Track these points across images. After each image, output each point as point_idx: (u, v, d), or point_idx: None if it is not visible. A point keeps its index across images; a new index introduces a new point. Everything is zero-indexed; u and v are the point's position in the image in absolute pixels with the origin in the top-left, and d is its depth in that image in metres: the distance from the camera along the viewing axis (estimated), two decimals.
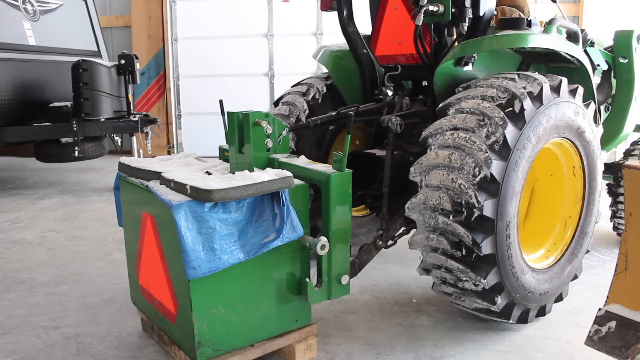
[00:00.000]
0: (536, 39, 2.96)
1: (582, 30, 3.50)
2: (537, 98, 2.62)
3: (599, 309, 2.20)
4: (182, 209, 2.13)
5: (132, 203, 2.70)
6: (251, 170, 2.42)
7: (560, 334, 2.84)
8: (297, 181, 2.44)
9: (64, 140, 6.30)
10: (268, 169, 2.43)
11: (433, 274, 2.71)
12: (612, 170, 4.10)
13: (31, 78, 6.48)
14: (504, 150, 2.49)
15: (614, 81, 3.92)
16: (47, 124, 6.29)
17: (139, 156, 6.71)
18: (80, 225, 5.03)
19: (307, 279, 2.43)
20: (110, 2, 9.52)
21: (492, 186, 2.46)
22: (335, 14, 3.57)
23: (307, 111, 3.56)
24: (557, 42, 3.08)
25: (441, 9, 2.83)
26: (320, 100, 3.64)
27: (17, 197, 6.32)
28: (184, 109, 9.46)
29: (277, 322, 2.47)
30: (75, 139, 6.15)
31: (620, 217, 4.12)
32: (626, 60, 3.85)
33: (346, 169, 2.39)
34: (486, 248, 2.49)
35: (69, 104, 6.30)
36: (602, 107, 3.87)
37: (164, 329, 2.58)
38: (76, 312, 3.15)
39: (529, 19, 3.02)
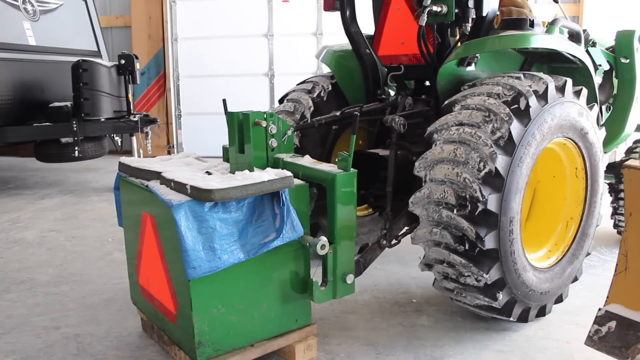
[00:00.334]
0: (539, 40, 2.98)
1: (584, 31, 3.52)
2: (543, 97, 2.65)
3: (599, 309, 2.20)
4: (182, 209, 2.13)
5: (132, 203, 2.70)
6: (251, 170, 2.42)
7: (560, 334, 2.84)
8: (297, 181, 2.44)
9: (64, 140, 6.30)
10: (268, 169, 2.43)
11: (435, 269, 2.71)
12: (614, 169, 4.12)
13: (31, 78, 6.48)
14: (509, 146, 2.51)
15: (615, 81, 3.94)
16: (47, 124, 6.29)
17: (139, 156, 6.71)
18: (80, 225, 5.03)
19: (313, 278, 2.43)
20: (110, 2, 9.52)
21: (496, 181, 2.48)
22: (336, 14, 3.58)
23: (312, 108, 3.57)
24: (559, 43, 3.10)
25: (444, 9, 2.85)
26: (325, 98, 3.65)
27: (17, 197, 6.32)
28: (184, 109, 9.46)
29: (277, 322, 2.47)
30: (75, 139, 6.15)
31: (621, 214, 4.12)
32: (628, 60, 3.88)
33: (351, 169, 2.40)
34: (489, 242, 2.50)
35: (69, 104, 6.30)
36: (603, 107, 3.88)
37: (164, 329, 2.58)
38: (76, 312, 3.15)
39: (531, 20, 3.04)
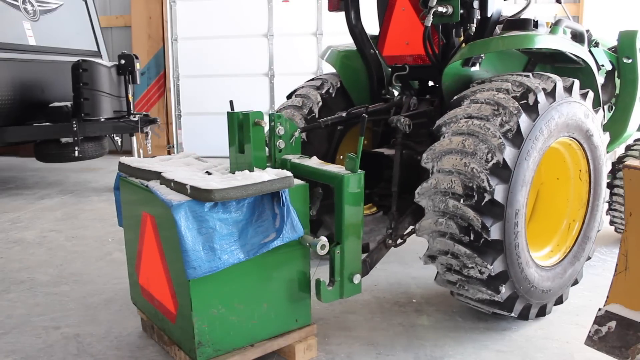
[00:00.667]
0: (542, 40, 3.01)
1: (587, 31, 3.55)
2: (551, 94, 2.70)
3: (599, 309, 2.21)
4: (182, 209, 2.13)
5: (132, 203, 2.70)
6: (251, 170, 2.42)
7: (560, 334, 2.84)
8: (297, 181, 2.44)
9: (64, 140, 6.30)
10: (268, 169, 2.43)
11: (439, 260, 2.72)
12: (612, 165, 4.13)
13: (31, 78, 6.48)
14: (517, 139, 2.54)
15: (617, 81, 3.98)
16: (47, 124, 6.29)
17: (139, 156, 6.71)
18: (80, 225, 5.03)
19: (320, 278, 2.43)
20: (110, 2, 9.52)
21: (504, 172, 2.51)
22: (336, 14, 3.59)
23: (320, 104, 3.60)
24: (562, 43, 3.13)
25: (450, 10, 2.87)
26: (334, 95, 3.68)
27: (17, 197, 6.32)
28: (184, 109, 9.46)
29: (277, 322, 2.47)
30: (75, 139, 6.15)
31: (615, 210, 4.12)
32: (630, 61, 3.91)
33: (359, 170, 2.42)
34: (494, 233, 2.51)
35: (69, 104, 6.30)
36: (605, 107, 3.91)
37: (164, 329, 2.58)
38: (76, 312, 3.15)
39: (535, 20, 3.07)
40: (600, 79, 3.55)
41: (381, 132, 3.62)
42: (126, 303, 3.16)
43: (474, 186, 2.51)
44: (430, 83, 3.53)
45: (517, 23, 3.09)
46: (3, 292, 3.45)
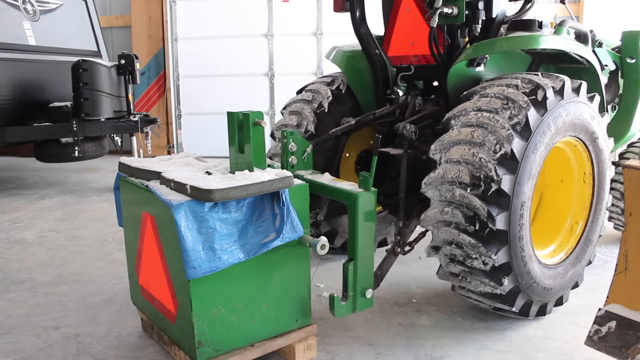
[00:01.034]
0: (547, 41, 3.04)
1: (591, 31, 3.59)
2: (559, 92, 2.75)
3: (599, 309, 2.21)
4: (182, 209, 2.13)
5: (132, 203, 2.70)
6: (251, 170, 2.42)
7: (560, 334, 2.84)
8: (297, 181, 2.44)
9: (64, 140, 6.30)
10: (268, 169, 2.43)
11: (442, 251, 2.73)
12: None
13: (31, 78, 6.48)
14: (525, 132, 2.58)
15: (621, 81, 4.01)
16: (47, 124, 6.29)
17: (139, 156, 6.71)
18: (80, 225, 5.03)
19: (334, 294, 2.47)
20: (110, 2, 9.52)
21: (511, 163, 2.54)
22: (338, 14, 3.60)
23: (330, 98, 3.63)
24: (566, 43, 3.17)
25: (455, 11, 2.90)
26: (344, 91, 3.71)
27: (17, 197, 6.32)
28: (184, 109, 9.46)
29: (277, 322, 2.47)
30: (75, 139, 6.15)
31: (613, 205, 4.12)
32: (633, 61, 3.94)
33: (372, 188, 2.47)
34: (500, 223, 2.53)
35: (69, 104, 6.30)
36: (609, 107, 3.94)
37: (164, 329, 2.58)
38: (76, 312, 3.15)
39: (539, 21, 3.10)
40: (604, 79, 3.59)
41: (386, 131, 3.64)
42: (126, 303, 3.16)
43: (481, 176, 2.54)
44: (435, 83, 3.57)
45: (522, 24, 3.13)
46: (3, 292, 3.45)
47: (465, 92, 2.91)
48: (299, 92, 3.86)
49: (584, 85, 2.93)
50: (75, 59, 6.37)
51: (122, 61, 6.58)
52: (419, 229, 3.07)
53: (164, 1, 9.08)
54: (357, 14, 3.53)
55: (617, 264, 2.20)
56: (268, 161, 3.38)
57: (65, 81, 6.35)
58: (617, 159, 4.30)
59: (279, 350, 2.55)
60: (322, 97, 3.64)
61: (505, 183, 2.52)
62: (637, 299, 2.13)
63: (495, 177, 2.50)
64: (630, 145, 4.35)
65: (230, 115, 2.54)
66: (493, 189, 2.51)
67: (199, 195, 2.14)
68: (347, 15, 3.65)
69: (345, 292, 2.50)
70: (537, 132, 2.62)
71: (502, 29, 3.23)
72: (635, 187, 2.11)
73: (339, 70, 3.82)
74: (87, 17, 7.76)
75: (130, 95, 6.70)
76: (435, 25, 2.92)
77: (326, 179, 2.70)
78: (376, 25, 3.63)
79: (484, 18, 3.01)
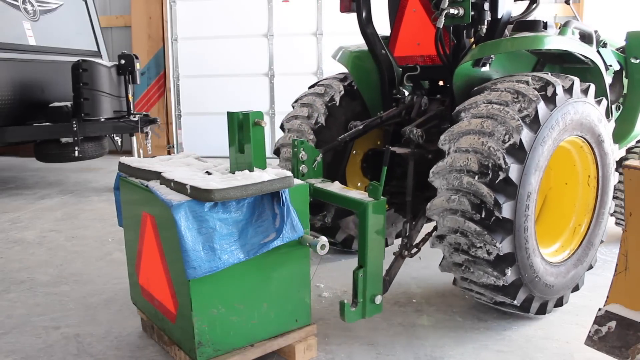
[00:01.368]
0: (552, 41, 3.08)
1: (595, 32, 3.61)
2: (568, 91, 2.81)
3: (599, 309, 2.20)
4: (182, 209, 2.13)
5: (132, 203, 2.70)
6: (251, 170, 2.42)
7: (560, 334, 2.84)
8: (297, 181, 2.44)
9: (64, 140, 6.29)
10: (268, 169, 2.43)
11: (447, 240, 2.74)
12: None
13: (31, 78, 6.47)
14: (534, 124, 2.63)
15: (625, 81, 4.04)
16: (47, 124, 6.28)
17: (139, 156, 6.71)
18: (80, 225, 5.03)
19: (345, 300, 2.50)
20: (110, 2, 9.51)
21: (519, 153, 2.59)
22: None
23: (342, 92, 3.69)
24: (571, 44, 3.21)
25: (461, 12, 2.93)
26: (356, 87, 3.76)
27: (17, 197, 6.32)
28: (184, 109, 9.46)
29: (277, 322, 2.47)
30: (75, 139, 6.15)
31: (616, 198, 4.13)
32: (638, 61, 3.98)
33: (381, 197, 2.51)
34: (506, 211, 2.56)
35: (69, 104, 6.30)
36: (613, 107, 3.97)
37: (164, 329, 2.58)
38: (76, 312, 3.15)
39: (544, 22, 3.14)
40: (608, 79, 3.62)
41: (392, 131, 3.68)
42: (126, 303, 3.16)
43: (490, 164, 2.57)
44: (441, 83, 3.61)
45: (527, 24, 3.16)
46: (3, 292, 3.45)
47: (475, 88, 2.96)
48: (311, 87, 3.93)
49: (592, 87, 2.99)
50: (75, 59, 6.36)
51: (122, 61, 6.58)
52: (425, 230, 3.09)
53: (164, 1, 9.08)
54: (364, 14, 3.56)
55: (617, 264, 2.20)
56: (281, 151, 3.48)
57: (65, 81, 6.35)
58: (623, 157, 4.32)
59: (279, 350, 2.55)
60: (335, 91, 3.70)
61: (513, 172, 2.56)
62: (637, 299, 2.13)
63: (503, 165, 2.54)
64: (628, 151, 4.36)
65: (230, 115, 2.54)
66: (501, 177, 2.55)
67: (199, 195, 2.14)
68: (348, 15, 3.66)
69: (355, 299, 2.53)
70: (546, 126, 2.67)
71: (507, 30, 3.26)
72: (635, 187, 2.11)
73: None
74: (87, 17, 7.75)
75: (130, 95, 6.69)
76: (441, 26, 2.95)
77: (336, 187, 2.76)
78: (382, 25, 3.65)
79: (489, 19, 3.04)
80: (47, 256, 4.16)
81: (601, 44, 3.76)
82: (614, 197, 4.21)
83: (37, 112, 6.39)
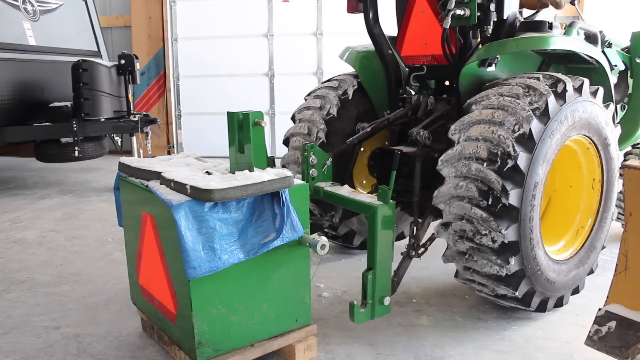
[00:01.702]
0: (557, 41, 3.12)
1: (600, 32, 3.65)
2: (578, 90, 2.88)
3: (599, 309, 2.20)
4: (182, 209, 2.13)
5: (132, 203, 2.70)
6: (251, 170, 2.42)
7: (560, 334, 2.84)
8: (297, 181, 2.44)
9: (64, 140, 6.29)
10: (268, 169, 2.43)
11: (452, 227, 2.76)
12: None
13: (31, 78, 6.47)
14: (544, 116, 2.69)
15: (630, 81, 4.06)
16: (47, 124, 6.28)
17: (139, 156, 6.71)
18: (80, 225, 5.03)
19: (354, 302, 2.53)
20: (110, 2, 9.51)
21: (529, 142, 2.64)
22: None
23: (355, 86, 3.76)
24: (576, 44, 3.24)
25: (467, 12, 2.97)
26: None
27: (17, 197, 6.32)
28: (184, 109, 9.46)
29: (277, 322, 2.47)
30: (75, 139, 6.15)
31: (619, 207, 4.14)
32: None
33: (390, 201, 2.55)
34: (513, 199, 2.60)
35: (69, 104, 6.30)
36: (618, 106, 4.00)
37: (164, 329, 2.58)
38: (76, 312, 3.15)
39: (549, 22, 3.17)
40: (613, 79, 3.67)
41: (399, 130, 3.70)
42: (126, 303, 3.16)
43: (499, 152, 2.62)
44: (447, 83, 3.64)
45: (532, 25, 3.20)
46: (3, 292, 3.45)
47: (487, 84, 3.01)
48: (325, 82, 3.97)
49: (601, 90, 3.06)
50: (75, 59, 6.36)
51: (122, 61, 6.58)
52: (432, 228, 3.11)
53: (164, 1, 9.08)
54: (371, 15, 3.59)
55: (617, 264, 2.20)
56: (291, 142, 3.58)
57: (65, 81, 6.35)
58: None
59: (279, 350, 2.55)
60: (348, 85, 3.76)
61: (522, 160, 2.60)
62: (637, 299, 2.13)
63: (512, 153, 2.59)
64: (627, 154, 4.37)
65: (230, 115, 2.54)
66: (509, 165, 2.59)
67: (199, 195, 2.14)
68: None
69: (365, 300, 2.56)
70: (555, 120, 2.72)
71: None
72: (635, 187, 2.11)
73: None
74: (87, 17, 7.75)
75: (130, 95, 6.69)
76: (448, 27, 2.99)
77: (346, 190, 2.82)
78: (389, 26, 3.68)
79: (495, 19, 3.08)
80: (47, 256, 4.16)
81: (606, 44, 3.79)
82: (617, 206, 4.23)
83: (37, 112, 6.39)
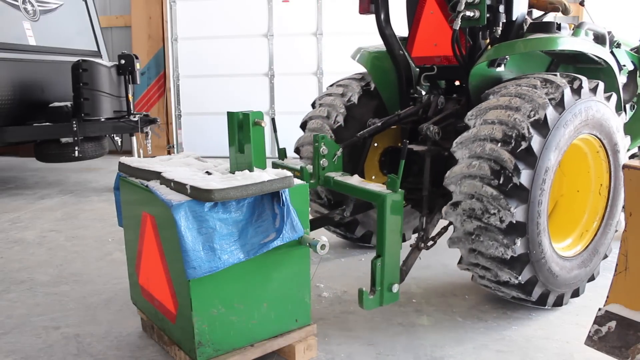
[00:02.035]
0: (565, 42, 3.16)
1: (609, 33, 3.68)
2: (593, 90, 2.97)
3: (599, 309, 2.20)
4: (182, 209, 2.13)
5: (132, 203, 2.70)
6: (251, 170, 2.42)
7: (560, 334, 2.84)
8: (297, 181, 2.44)
9: (64, 140, 6.29)
10: (268, 169, 2.43)
11: (461, 207, 2.80)
12: None
13: (31, 78, 6.47)
14: (559, 106, 2.77)
15: (639, 81, 4.09)
16: (47, 124, 6.28)
17: (139, 156, 6.71)
18: (80, 225, 5.03)
19: (363, 288, 2.57)
20: (110, 2, 9.51)
21: (543, 128, 2.71)
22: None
23: (360, 92, 3.85)
24: (585, 45, 3.28)
25: (477, 14, 3.02)
26: (373, 87, 3.86)
27: (17, 197, 6.32)
28: (184, 109, 9.46)
29: (277, 322, 2.47)
30: (75, 139, 6.15)
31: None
32: None
33: (399, 190, 2.60)
34: (524, 179, 2.66)
35: (69, 104, 6.30)
36: (627, 106, 4.03)
37: (164, 329, 2.58)
38: (76, 312, 3.15)
39: (558, 23, 3.22)
40: (622, 79, 3.72)
41: (409, 129, 3.73)
42: (126, 303, 3.16)
43: (514, 134, 2.68)
44: (457, 83, 3.69)
45: (541, 26, 3.25)
46: (3, 292, 3.45)
47: (504, 80, 3.09)
48: (330, 87, 4.04)
49: (614, 96, 3.14)
50: (75, 59, 6.36)
51: (122, 61, 6.58)
52: (440, 224, 3.18)
53: (164, 1, 9.08)
54: (382, 16, 3.62)
55: (617, 264, 2.20)
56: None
57: (65, 81, 6.35)
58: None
59: (279, 350, 2.55)
60: (353, 91, 3.85)
61: (535, 143, 2.66)
62: (637, 299, 2.13)
63: (527, 135, 2.65)
64: (632, 157, 4.39)
65: (230, 115, 2.54)
66: (523, 146, 2.65)
67: (199, 195, 2.14)
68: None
69: (373, 287, 2.62)
70: (570, 112, 2.80)
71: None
72: (635, 187, 2.11)
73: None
74: (87, 17, 7.75)
75: (130, 95, 6.69)
76: (457, 28, 3.03)
77: (355, 180, 2.86)
78: (400, 27, 3.72)
79: (504, 21, 3.12)
80: (47, 256, 4.16)
81: (615, 44, 3.82)
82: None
83: (37, 112, 6.39)
